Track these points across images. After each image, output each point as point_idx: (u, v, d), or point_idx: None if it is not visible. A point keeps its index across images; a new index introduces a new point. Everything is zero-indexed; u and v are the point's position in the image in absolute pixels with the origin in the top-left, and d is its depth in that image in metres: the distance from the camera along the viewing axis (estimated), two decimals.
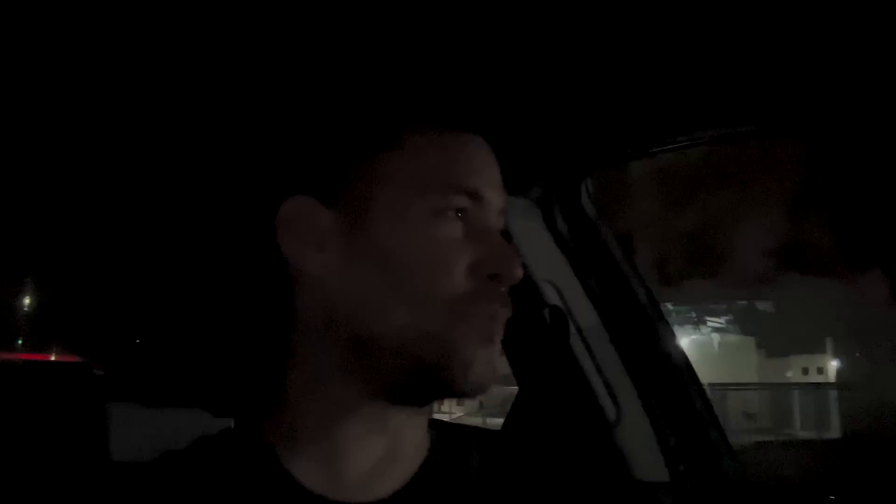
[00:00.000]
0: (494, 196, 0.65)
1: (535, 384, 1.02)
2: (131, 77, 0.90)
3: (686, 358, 1.12)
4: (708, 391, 1.18)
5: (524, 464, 0.71)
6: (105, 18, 0.77)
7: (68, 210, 1.34)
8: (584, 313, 1.14)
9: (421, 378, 0.60)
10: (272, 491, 0.61)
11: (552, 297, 1.15)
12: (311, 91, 0.91)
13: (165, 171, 1.17)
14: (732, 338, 28.57)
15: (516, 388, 1.16)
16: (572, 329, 1.12)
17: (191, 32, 0.79)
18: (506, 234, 1.08)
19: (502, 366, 0.70)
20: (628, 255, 1.15)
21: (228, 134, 1.03)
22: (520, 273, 0.63)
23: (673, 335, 1.12)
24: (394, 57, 0.81)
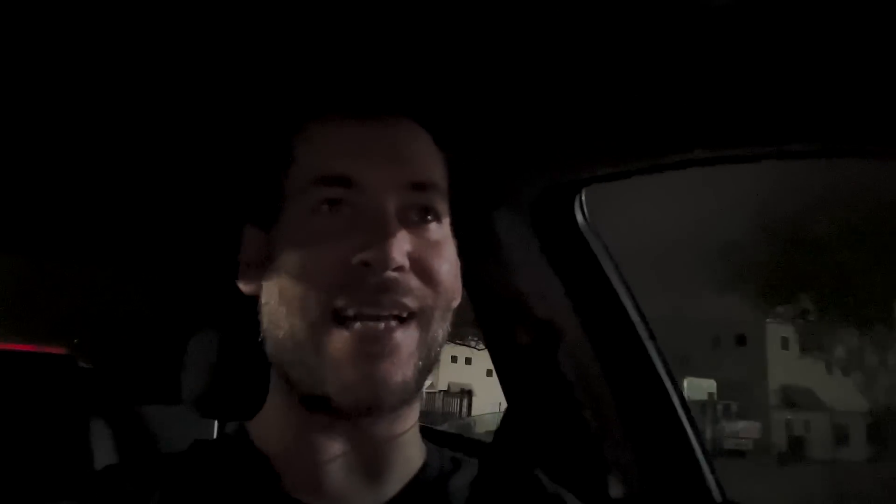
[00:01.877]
0: (375, 177, 0.60)
1: (524, 398, 1.01)
2: (125, 76, 0.88)
3: (672, 376, 1.12)
4: None
5: (515, 477, 0.70)
6: None
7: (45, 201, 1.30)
8: (573, 328, 1.13)
9: (311, 392, 0.59)
10: (262, 499, 0.60)
11: (541, 311, 1.14)
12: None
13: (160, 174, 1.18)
14: None
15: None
16: (561, 344, 1.11)
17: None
18: (493, 243, 1.07)
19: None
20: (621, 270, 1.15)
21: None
22: (391, 257, 0.57)
23: (661, 353, 1.12)
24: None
